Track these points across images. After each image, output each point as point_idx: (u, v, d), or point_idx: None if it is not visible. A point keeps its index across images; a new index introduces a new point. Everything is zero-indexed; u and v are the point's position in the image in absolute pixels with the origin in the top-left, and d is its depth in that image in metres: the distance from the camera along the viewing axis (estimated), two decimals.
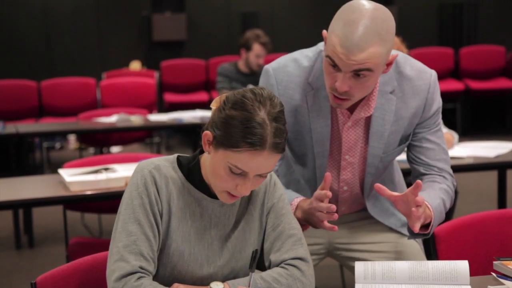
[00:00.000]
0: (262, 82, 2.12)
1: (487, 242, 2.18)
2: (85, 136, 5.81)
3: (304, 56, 2.09)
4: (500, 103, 8.57)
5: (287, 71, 2.08)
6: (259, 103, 1.59)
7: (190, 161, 1.73)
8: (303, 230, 1.87)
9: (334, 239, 2.28)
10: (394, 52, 1.97)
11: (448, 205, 2.05)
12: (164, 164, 1.70)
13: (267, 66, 2.11)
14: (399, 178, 2.33)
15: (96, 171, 3.02)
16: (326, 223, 1.93)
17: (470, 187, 5.64)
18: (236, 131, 1.58)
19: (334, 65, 1.88)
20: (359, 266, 1.77)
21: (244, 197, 1.75)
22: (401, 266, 1.76)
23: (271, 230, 1.76)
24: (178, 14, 9.48)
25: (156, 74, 8.08)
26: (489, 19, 9.59)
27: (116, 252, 1.61)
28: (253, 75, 5.62)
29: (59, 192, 2.89)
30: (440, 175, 2.10)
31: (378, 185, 1.84)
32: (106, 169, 3.05)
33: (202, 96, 8.08)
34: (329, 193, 1.90)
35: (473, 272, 1.89)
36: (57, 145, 8.10)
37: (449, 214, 3.88)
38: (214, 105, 1.66)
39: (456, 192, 4.09)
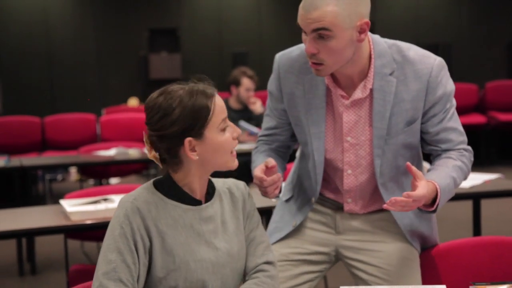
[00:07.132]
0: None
1: (464, 268, 2.17)
2: (85, 168, 5.78)
3: None
4: (474, 138, 8.55)
5: (290, 56, 2.14)
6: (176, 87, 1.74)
7: (164, 180, 1.76)
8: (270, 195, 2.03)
9: (341, 249, 2.21)
10: None
11: (460, 181, 2.06)
12: (142, 192, 1.72)
13: (277, 53, 2.19)
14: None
15: (95, 202, 3.01)
16: (270, 195, 1.99)
17: (447, 215, 5.64)
18: (195, 106, 1.68)
19: (304, 31, 1.93)
20: None
21: (226, 201, 1.81)
22: None
23: (247, 234, 1.85)
24: (174, 54, 9.54)
25: None
26: (462, 59, 9.70)
27: (96, 279, 1.63)
28: (244, 111, 5.63)
29: (60, 222, 2.87)
30: (456, 150, 2.09)
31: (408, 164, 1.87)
32: (105, 200, 3.03)
33: None
34: (265, 177, 1.94)
35: None
36: (59, 177, 8.06)
37: None
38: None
39: None
